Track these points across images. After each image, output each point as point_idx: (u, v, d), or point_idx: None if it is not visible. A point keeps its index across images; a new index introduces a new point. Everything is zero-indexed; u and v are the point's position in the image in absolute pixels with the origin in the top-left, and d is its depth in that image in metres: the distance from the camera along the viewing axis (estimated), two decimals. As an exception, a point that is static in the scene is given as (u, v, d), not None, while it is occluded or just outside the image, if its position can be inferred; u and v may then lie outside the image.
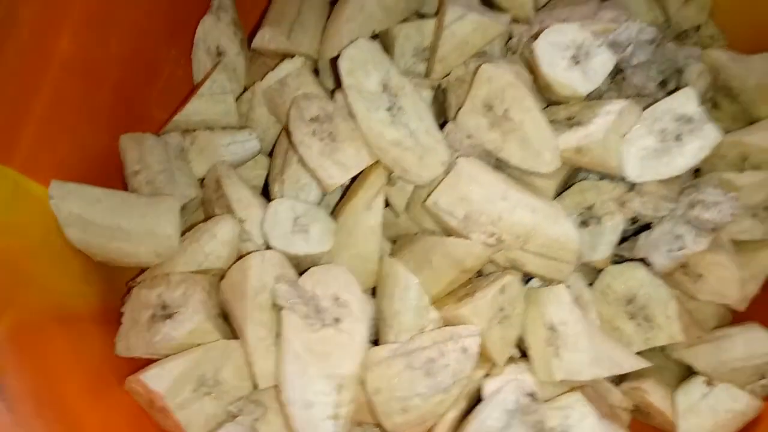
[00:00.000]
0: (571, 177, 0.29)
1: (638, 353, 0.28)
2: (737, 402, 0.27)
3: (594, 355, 0.25)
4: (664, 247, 0.26)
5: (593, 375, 0.24)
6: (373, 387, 0.24)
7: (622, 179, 0.27)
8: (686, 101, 0.25)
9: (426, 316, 0.26)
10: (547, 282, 0.27)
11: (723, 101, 0.30)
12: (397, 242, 0.30)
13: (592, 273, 0.28)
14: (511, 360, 0.27)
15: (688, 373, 0.28)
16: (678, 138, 0.25)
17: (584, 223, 0.28)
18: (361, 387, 0.24)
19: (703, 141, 0.25)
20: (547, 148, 0.26)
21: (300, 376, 0.22)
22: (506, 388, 0.23)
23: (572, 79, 0.26)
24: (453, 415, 0.24)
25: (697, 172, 0.29)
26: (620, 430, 0.25)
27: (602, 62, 0.26)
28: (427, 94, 0.29)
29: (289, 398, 0.22)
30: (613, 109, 0.26)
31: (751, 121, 0.30)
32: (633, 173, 0.25)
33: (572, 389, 0.25)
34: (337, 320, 0.24)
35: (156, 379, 0.22)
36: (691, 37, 0.33)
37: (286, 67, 0.29)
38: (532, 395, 0.24)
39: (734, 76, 0.29)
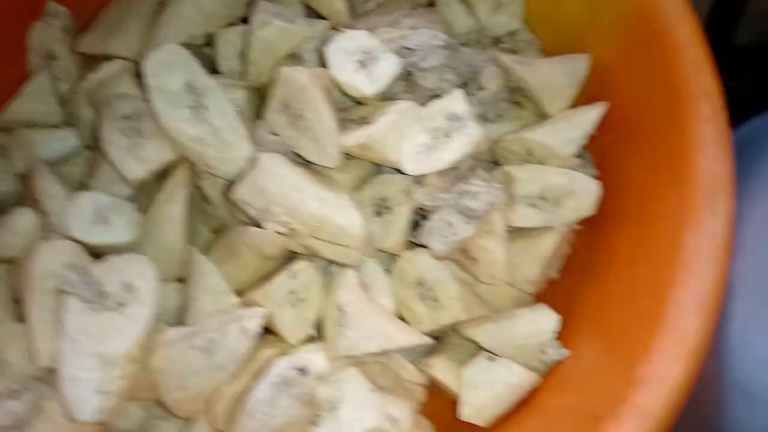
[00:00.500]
0: (377, 171, 0.31)
1: (432, 332, 0.30)
2: (515, 376, 0.29)
3: (368, 333, 0.27)
4: (439, 234, 0.28)
5: (366, 349, 0.27)
6: (156, 366, 0.26)
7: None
8: (456, 101, 0.28)
9: (224, 301, 0.28)
10: (341, 267, 0.29)
11: (524, 101, 0.33)
12: (217, 233, 0.32)
13: (391, 259, 0.31)
14: (309, 341, 0.29)
15: (478, 350, 0.31)
16: (447, 135, 0.28)
17: (379, 213, 0.30)
18: (142, 366, 0.26)
19: (467, 137, 0.27)
20: (331, 144, 0.28)
21: (72, 355, 0.24)
22: (276, 363, 0.26)
23: (358, 82, 0.28)
24: (233, 390, 0.26)
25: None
26: (398, 402, 0.27)
27: (387, 66, 0.29)
28: (242, 95, 0.31)
29: (62, 375, 0.24)
30: (396, 109, 0.28)
31: (545, 119, 0.32)
32: (409, 167, 0.28)
33: (356, 365, 0.28)
34: (121, 305, 0.26)
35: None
36: (506, 42, 0.36)
37: (106, 69, 0.31)
38: (301, 370, 0.26)
39: (520, 78, 0.31)
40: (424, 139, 0.28)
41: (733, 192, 0.25)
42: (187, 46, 0.30)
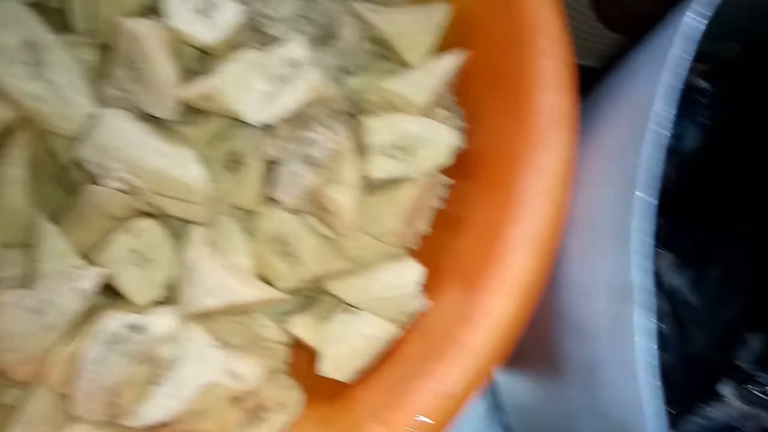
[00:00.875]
0: (231, 126, 0.30)
1: (295, 289, 0.30)
2: (374, 329, 0.29)
3: (211, 288, 0.26)
4: (286, 185, 0.28)
5: (208, 305, 0.26)
6: (-14, 330, 0.25)
7: (263, 127, 0.28)
8: (294, 48, 0.27)
9: (67, 263, 0.27)
10: (191, 224, 0.29)
11: (388, 53, 0.32)
12: (70, 195, 0.31)
13: (249, 217, 0.30)
14: (162, 303, 0.28)
15: (341, 306, 0.30)
16: (287, 81, 0.27)
17: (231, 169, 0.29)
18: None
19: (306, 83, 0.27)
20: (167, 95, 0.27)
21: None
22: (106, 321, 0.25)
23: (196, 30, 0.28)
24: (69, 351, 0.26)
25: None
26: (247, 359, 0.27)
27: (226, 13, 0.28)
28: (91, 53, 0.30)
29: None
30: (238, 58, 0.28)
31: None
32: (250, 116, 0.27)
33: (202, 323, 0.27)
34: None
35: None
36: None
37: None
38: (134, 327, 0.25)
39: (375, 28, 0.31)
40: (265, 87, 0.27)
41: (572, 127, 0.25)
42: (39, 6, 0.29)
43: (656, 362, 0.19)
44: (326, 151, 0.27)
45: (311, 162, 0.27)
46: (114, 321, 0.25)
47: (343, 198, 0.27)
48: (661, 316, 0.27)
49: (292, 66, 0.27)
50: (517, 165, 0.25)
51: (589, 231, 0.23)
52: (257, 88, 0.27)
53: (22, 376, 0.26)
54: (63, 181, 0.31)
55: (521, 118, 0.25)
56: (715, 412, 0.28)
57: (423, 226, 0.32)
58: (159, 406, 0.25)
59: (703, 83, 0.30)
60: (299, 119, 0.28)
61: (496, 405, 0.39)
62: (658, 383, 0.19)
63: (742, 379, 0.28)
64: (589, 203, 0.24)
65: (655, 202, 0.19)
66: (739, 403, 0.28)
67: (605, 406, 0.21)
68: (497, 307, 0.23)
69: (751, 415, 0.28)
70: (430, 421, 0.22)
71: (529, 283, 0.23)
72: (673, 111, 0.19)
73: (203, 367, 0.25)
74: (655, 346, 0.19)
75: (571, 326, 0.24)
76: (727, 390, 0.28)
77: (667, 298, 0.27)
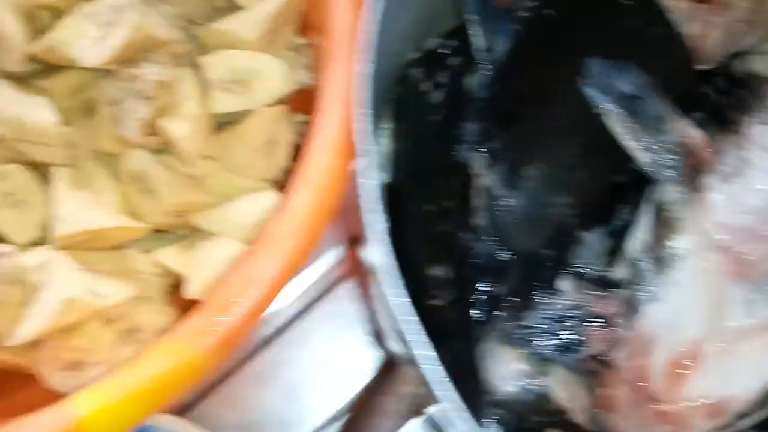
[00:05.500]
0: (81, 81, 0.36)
1: (161, 224, 0.35)
2: (231, 250, 0.34)
3: (67, 216, 0.32)
4: (127, 122, 0.33)
5: (60, 233, 0.31)
6: None
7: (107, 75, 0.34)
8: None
9: None
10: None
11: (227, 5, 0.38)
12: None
13: (113, 159, 0.36)
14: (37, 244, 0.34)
15: (204, 236, 0.36)
16: (112, 24, 0.32)
17: (89, 115, 0.35)
18: None
19: (128, 23, 0.32)
20: (15, 50, 0.32)
21: None
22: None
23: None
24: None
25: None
26: (112, 283, 0.32)
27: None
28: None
29: None
30: (76, 11, 0.33)
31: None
32: (85, 60, 0.32)
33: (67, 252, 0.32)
34: None
35: None
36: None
37: None
38: (1, 254, 0.31)
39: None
40: (96, 33, 0.32)
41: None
42: None
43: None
44: (151, 83, 0.32)
45: (143, 96, 0.32)
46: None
47: (176, 127, 0.33)
48: (475, 212, 0.32)
49: (117, 12, 0.32)
50: (324, 75, 0.30)
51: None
52: (89, 34, 0.32)
53: None
54: None
55: (324, 36, 0.31)
56: (553, 305, 0.33)
57: (283, 160, 0.37)
58: (28, 324, 0.30)
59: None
60: (132, 61, 0.33)
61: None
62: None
63: (579, 275, 0.33)
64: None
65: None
66: (576, 294, 0.33)
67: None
68: (298, 201, 0.28)
69: (582, 303, 0.33)
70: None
71: (325, 181, 0.28)
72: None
73: (64, 285, 0.30)
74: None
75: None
76: (565, 285, 0.33)
77: (483, 195, 0.32)
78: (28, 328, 0.31)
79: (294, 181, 0.29)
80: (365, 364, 0.44)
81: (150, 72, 0.32)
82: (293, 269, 0.28)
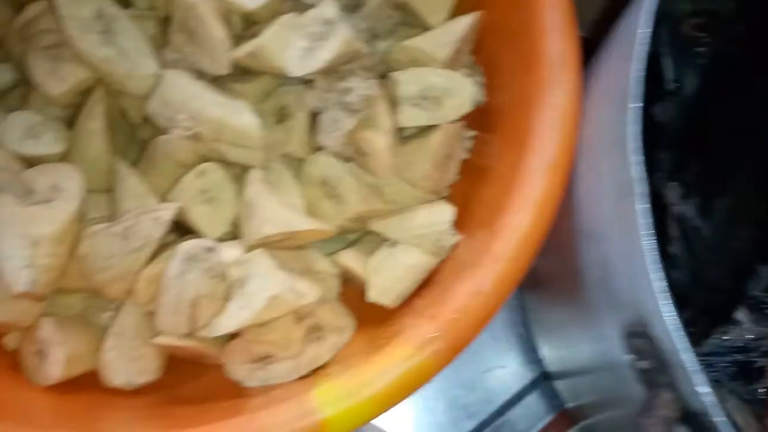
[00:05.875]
0: (278, 85, 0.37)
1: (341, 228, 0.36)
2: (413, 258, 0.35)
3: (269, 218, 0.33)
4: (328, 131, 0.34)
5: (268, 232, 0.33)
6: (81, 254, 0.32)
7: (305, 81, 0.35)
8: (327, 8, 0.34)
9: (145, 202, 0.34)
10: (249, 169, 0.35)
11: (412, 19, 0.39)
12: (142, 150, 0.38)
13: (299, 165, 0.37)
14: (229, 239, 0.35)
15: (383, 242, 0.37)
16: (322, 38, 0.34)
17: (280, 121, 0.36)
18: (70, 253, 0.32)
19: (339, 36, 0.33)
20: (221, 53, 0.34)
21: (5, 238, 0.30)
22: (184, 244, 0.32)
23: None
24: (153, 272, 0.32)
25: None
26: (306, 281, 0.33)
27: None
28: (152, 24, 0.37)
29: None
30: (279, 21, 0.34)
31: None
32: (293, 70, 0.34)
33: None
34: (48, 200, 0.32)
35: None
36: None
37: (31, 9, 0.37)
38: (208, 249, 0.32)
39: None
40: (304, 44, 0.34)
41: (577, 67, 0.32)
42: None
43: (655, 243, 0.25)
44: (361, 97, 0.33)
45: (348, 108, 0.34)
46: (191, 243, 0.32)
47: (379, 139, 0.34)
48: (670, 241, 0.33)
49: (326, 24, 0.34)
50: (531, 106, 0.31)
51: (594, 148, 0.29)
52: (297, 45, 0.34)
53: (113, 294, 0.32)
54: (133, 139, 0.38)
55: (532, 64, 0.32)
56: (731, 336, 0.34)
57: (452, 174, 0.39)
58: (231, 317, 0.32)
59: (698, 33, 0.36)
60: (335, 72, 0.35)
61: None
62: (659, 262, 0.25)
63: (755, 307, 0.34)
64: (592, 125, 0.30)
65: (641, 105, 0.25)
66: (753, 326, 0.34)
67: (619, 295, 0.28)
68: (519, 221, 0.29)
69: (763, 335, 0.34)
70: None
71: (543, 201, 0.30)
72: (649, 30, 0.26)
73: (269, 282, 0.32)
74: (654, 234, 0.25)
75: (585, 234, 0.30)
76: (741, 315, 0.34)
77: (676, 225, 0.33)
78: (230, 322, 0.32)
79: (512, 200, 0.30)
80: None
81: (359, 86, 0.33)
82: (514, 284, 0.29)
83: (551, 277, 0.37)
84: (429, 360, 0.27)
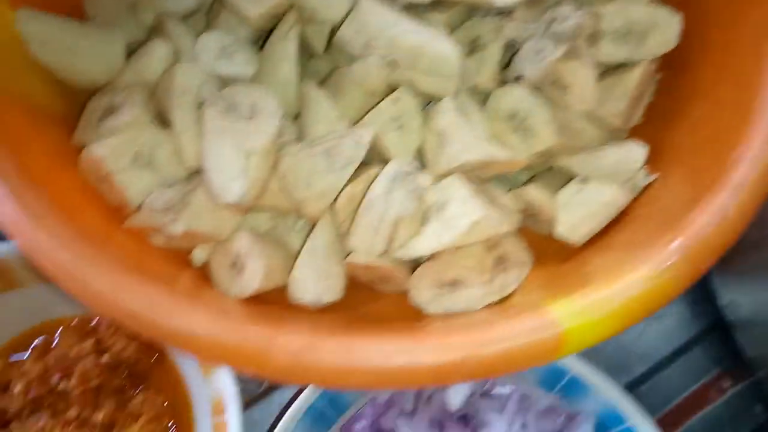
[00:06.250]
0: (468, 16, 0.37)
1: (527, 159, 0.35)
2: (605, 195, 0.34)
3: (467, 145, 0.32)
4: (531, 61, 0.33)
5: (466, 158, 0.32)
6: (283, 171, 0.32)
7: (499, 13, 0.35)
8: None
9: (336, 125, 0.34)
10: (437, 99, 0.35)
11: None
12: (322, 83, 0.38)
13: (483, 98, 0.36)
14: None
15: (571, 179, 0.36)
16: None
17: (471, 52, 0.35)
18: (272, 170, 0.32)
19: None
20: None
21: (215, 149, 0.30)
22: (389, 165, 0.31)
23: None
24: (353, 191, 0.32)
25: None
26: (494, 206, 0.32)
27: None
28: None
29: (206, 167, 0.30)
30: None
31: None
32: (504, 3, 0.33)
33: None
34: (251, 117, 0.32)
35: (98, 148, 0.30)
36: None
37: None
38: (409, 172, 0.31)
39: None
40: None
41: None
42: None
43: None
44: (572, 26, 0.32)
45: (557, 37, 0.33)
46: (396, 164, 0.31)
47: (586, 70, 0.33)
48: None
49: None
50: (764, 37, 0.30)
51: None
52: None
53: (312, 212, 0.32)
54: (306, 72, 0.37)
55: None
56: None
57: (638, 116, 0.37)
58: (431, 239, 0.31)
59: None
60: (540, 2, 0.34)
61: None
62: None
63: None
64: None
65: None
66: None
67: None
68: (759, 152, 0.28)
69: None
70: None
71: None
72: None
73: (470, 207, 0.31)
74: None
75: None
76: None
77: None
78: (430, 243, 0.31)
79: (746, 132, 0.29)
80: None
81: (572, 15, 0.32)
82: (753, 213, 0.28)
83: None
84: (670, 282, 0.26)
